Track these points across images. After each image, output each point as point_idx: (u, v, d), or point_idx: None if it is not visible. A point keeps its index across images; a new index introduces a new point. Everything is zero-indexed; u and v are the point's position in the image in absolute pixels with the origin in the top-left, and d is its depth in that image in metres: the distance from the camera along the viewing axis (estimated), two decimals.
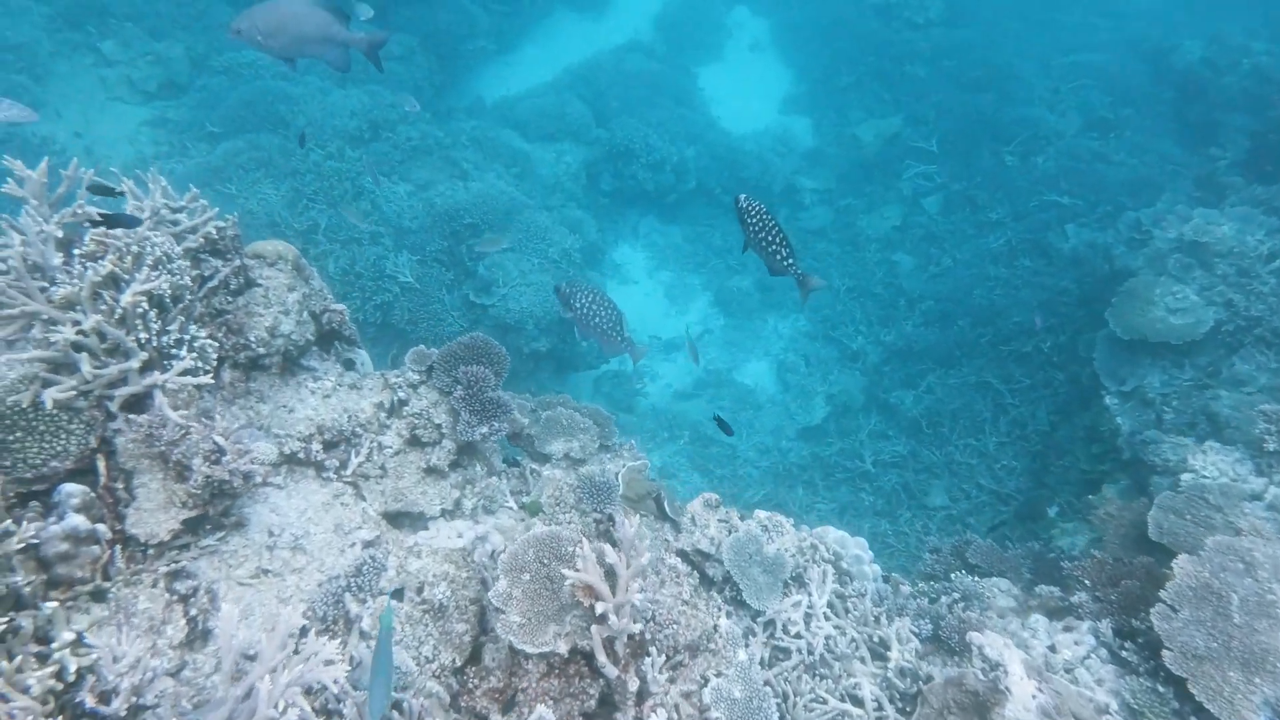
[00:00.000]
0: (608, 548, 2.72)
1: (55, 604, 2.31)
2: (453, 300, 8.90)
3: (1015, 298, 9.69)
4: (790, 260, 3.51)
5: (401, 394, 3.79)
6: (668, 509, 3.83)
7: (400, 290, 8.68)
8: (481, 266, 9.07)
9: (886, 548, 7.57)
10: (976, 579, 3.74)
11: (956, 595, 3.58)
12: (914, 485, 8.34)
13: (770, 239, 3.50)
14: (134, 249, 2.85)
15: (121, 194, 3.13)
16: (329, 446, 3.43)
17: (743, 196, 3.58)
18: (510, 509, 3.76)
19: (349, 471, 3.37)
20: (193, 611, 2.60)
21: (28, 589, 2.25)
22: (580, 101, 12.31)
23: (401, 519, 3.43)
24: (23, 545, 2.22)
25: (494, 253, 8.93)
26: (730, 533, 3.58)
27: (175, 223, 3.34)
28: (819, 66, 14.50)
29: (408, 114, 10.32)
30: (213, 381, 2.96)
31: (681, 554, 3.57)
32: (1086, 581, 3.45)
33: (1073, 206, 10.61)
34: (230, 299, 3.51)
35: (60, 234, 2.85)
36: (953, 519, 7.75)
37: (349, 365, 4.11)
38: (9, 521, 2.23)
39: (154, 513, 2.67)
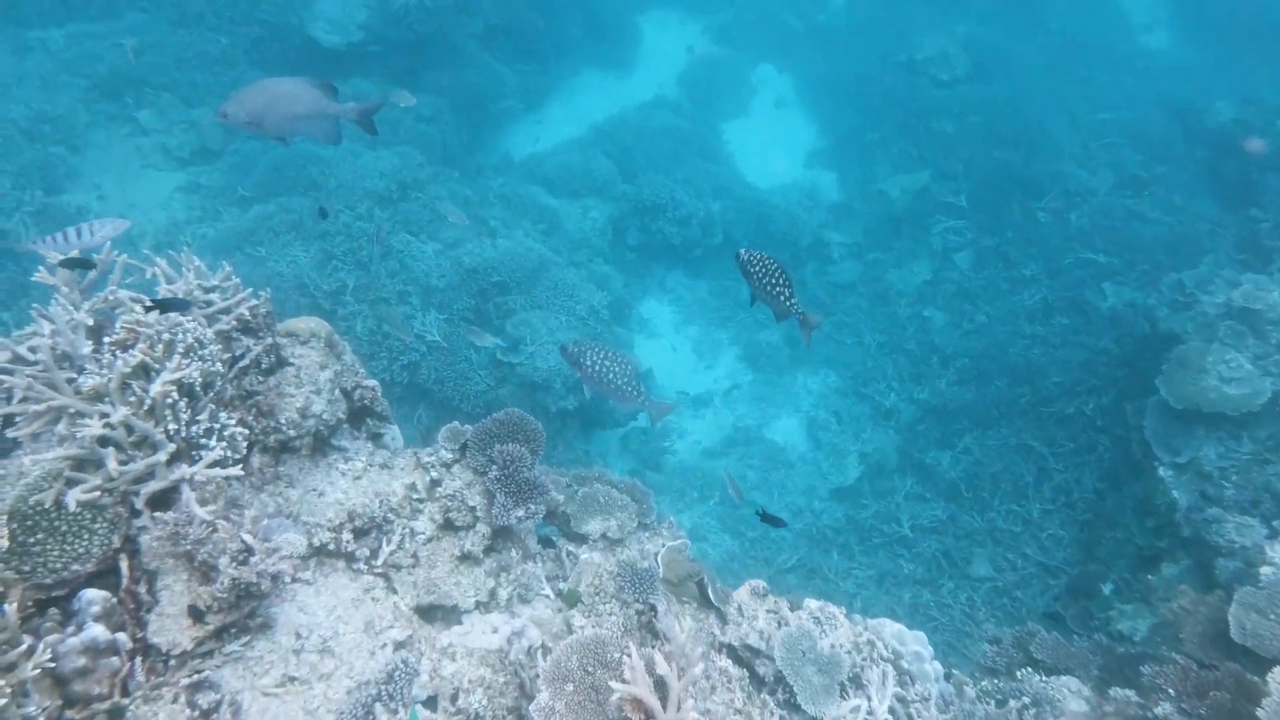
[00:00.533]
0: (658, 656, 2.53)
1: None
2: (480, 359, 8.80)
3: (1053, 356, 9.46)
4: (793, 300, 3.48)
5: (434, 474, 3.64)
6: (712, 596, 3.63)
7: (427, 349, 8.60)
8: (509, 324, 8.99)
9: (929, 620, 7.27)
10: (1044, 678, 3.49)
11: (1026, 700, 3.34)
12: (955, 553, 8.04)
13: (774, 284, 3.55)
14: (165, 336, 2.75)
15: (93, 266, 3.00)
16: (360, 534, 3.28)
17: (743, 250, 3.65)
18: (547, 597, 3.58)
19: (380, 562, 3.21)
20: None
21: (42, 718, 2.10)
22: (606, 158, 12.35)
23: (434, 612, 3.25)
24: (39, 670, 2.07)
25: (521, 313, 8.86)
26: (780, 625, 3.38)
27: (208, 303, 3.25)
28: (844, 122, 14.51)
29: (438, 173, 10.38)
30: (242, 473, 2.83)
31: (729, 649, 3.36)
32: (1170, 691, 3.20)
33: (1109, 264, 10.41)
34: (261, 379, 3.40)
35: (91, 321, 2.76)
36: (999, 591, 7.44)
37: (379, 441, 3.98)
38: (25, 644, 2.08)
39: (177, 618, 2.52)
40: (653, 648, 3.24)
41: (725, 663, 3.11)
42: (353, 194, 9.46)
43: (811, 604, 3.50)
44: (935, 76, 14.08)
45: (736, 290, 12.08)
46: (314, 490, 3.38)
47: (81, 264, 2.95)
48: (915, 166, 13.10)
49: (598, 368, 4.37)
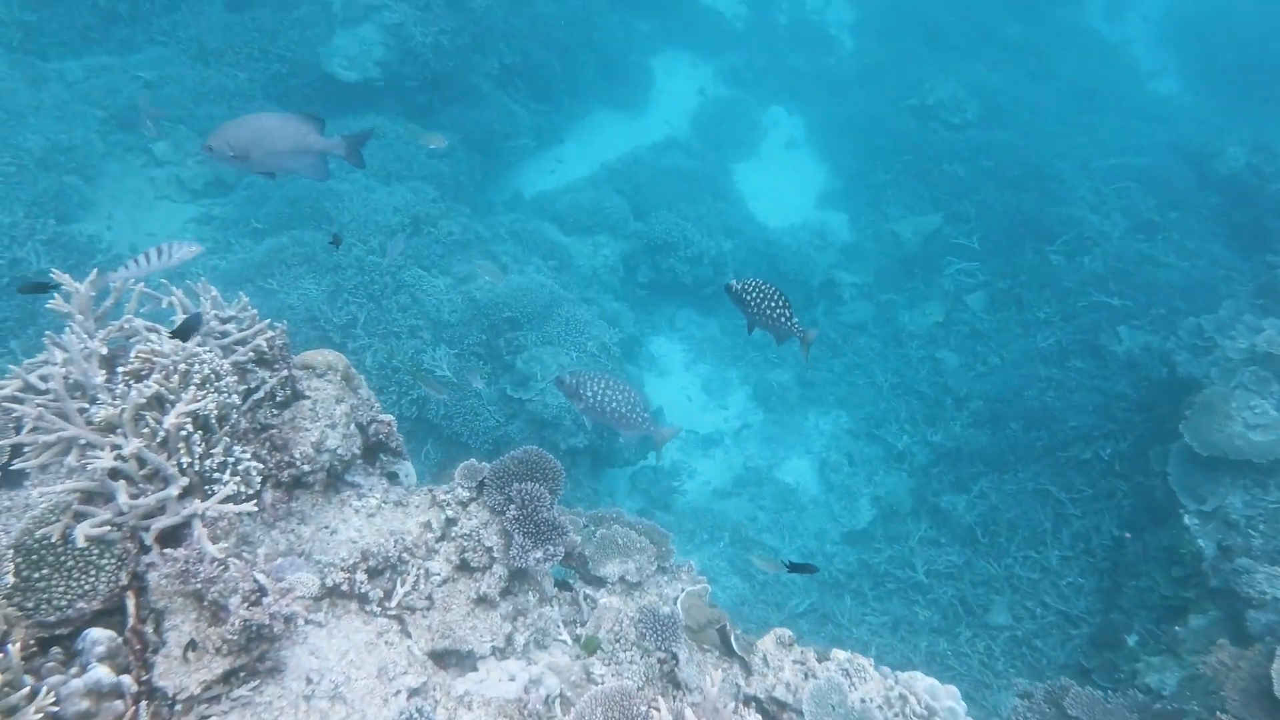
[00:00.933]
0: (687, 711, 2.41)
1: None
2: (490, 394, 8.71)
3: (1069, 400, 9.35)
4: (794, 321, 3.50)
5: (450, 512, 3.53)
6: (735, 645, 3.50)
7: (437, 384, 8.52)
8: (520, 360, 8.92)
9: (947, 669, 7.08)
10: None
11: None
12: (972, 600, 7.86)
13: (773, 307, 3.51)
14: (181, 366, 2.67)
15: (57, 286, 2.90)
16: (373, 574, 3.17)
17: (734, 281, 3.61)
18: (564, 643, 3.45)
19: (394, 604, 3.09)
20: None
21: None
22: (618, 196, 12.38)
23: (449, 657, 3.13)
24: (41, 715, 1.96)
25: (532, 348, 8.80)
26: (808, 677, 3.24)
27: (224, 334, 3.18)
28: (855, 164, 14.56)
29: (450, 208, 10.39)
30: (255, 509, 2.73)
31: (755, 701, 3.23)
32: None
33: (1123, 308, 10.34)
34: (276, 412, 3.31)
35: (105, 350, 2.68)
36: (1018, 640, 7.25)
37: (393, 478, 3.89)
38: (28, 686, 1.97)
39: (184, 661, 2.40)
40: (676, 699, 3.11)
41: (753, 717, 2.97)
42: (365, 228, 9.46)
43: (840, 654, 3.37)
44: (946, 120, 14.17)
45: (745, 328, 12.01)
46: (326, 528, 3.28)
47: (40, 287, 2.90)
48: (927, 208, 13.11)
49: (599, 397, 4.28)
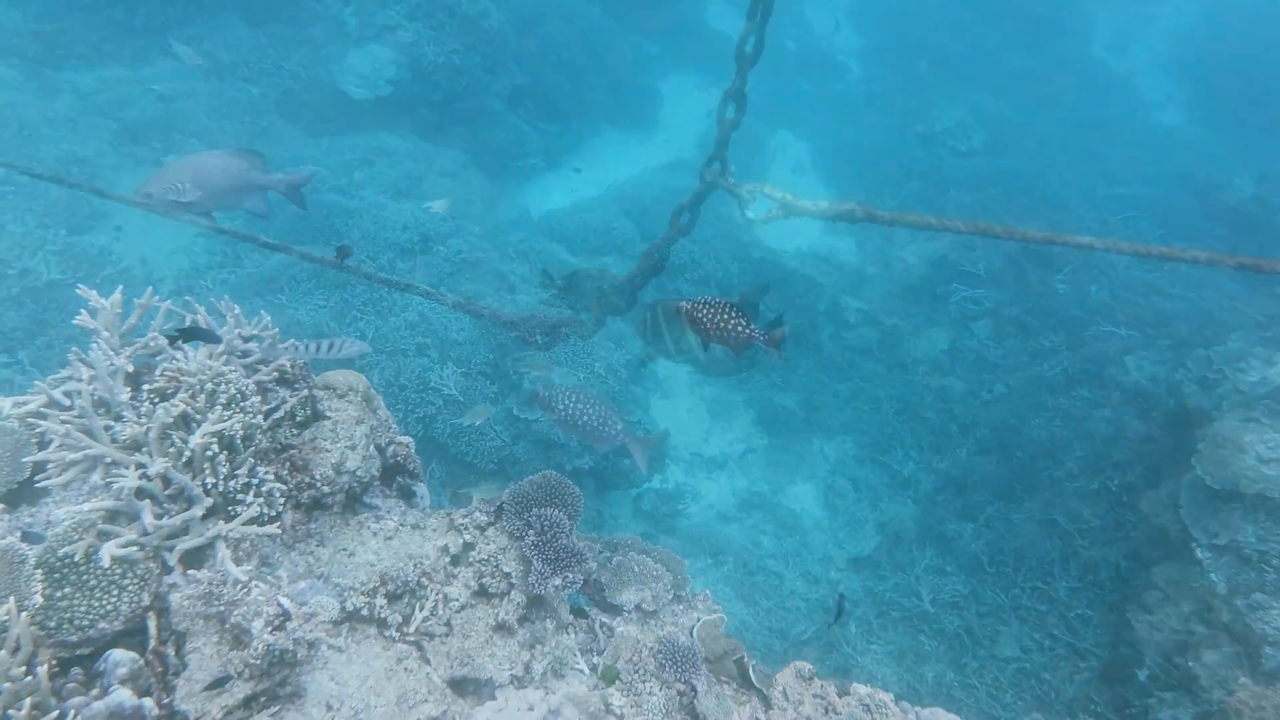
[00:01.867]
0: None
1: None
2: (496, 414, 8.68)
3: (1076, 430, 9.32)
4: (751, 328, 3.34)
5: (468, 536, 3.50)
6: (754, 677, 3.46)
7: (444, 403, 8.49)
8: (526, 381, 8.89)
9: (953, 700, 7.00)
10: None
11: None
12: (979, 630, 7.80)
13: (725, 319, 3.42)
14: (208, 385, 2.65)
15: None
16: (392, 599, 3.13)
17: (684, 303, 3.49)
18: (581, 672, 3.41)
19: (413, 629, 3.06)
20: None
21: None
22: (626, 218, 12.41)
23: (467, 685, 3.09)
24: None
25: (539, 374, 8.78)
26: (828, 712, 3.20)
27: (246, 353, 3.16)
28: (861, 189, 14.60)
29: (459, 226, 10.41)
30: (279, 531, 2.70)
31: None
32: None
33: (1129, 338, 10.34)
34: (296, 432, 3.29)
35: (131, 368, 2.66)
36: (1025, 673, 7.18)
37: (409, 499, 3.86)
38: (55, 712, 1.94)
39: (206, 684, 2.37)
40: None
41: None
42: (375, 245, 9.46)
43: (860, 690, 3.33)
44: (953, 147, 14.24)
45: (753, 352, 11.98)
46: (344, 550, 3.24)
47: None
48: (933, 234, 13.14)
49: (570, 411, 4.32)
